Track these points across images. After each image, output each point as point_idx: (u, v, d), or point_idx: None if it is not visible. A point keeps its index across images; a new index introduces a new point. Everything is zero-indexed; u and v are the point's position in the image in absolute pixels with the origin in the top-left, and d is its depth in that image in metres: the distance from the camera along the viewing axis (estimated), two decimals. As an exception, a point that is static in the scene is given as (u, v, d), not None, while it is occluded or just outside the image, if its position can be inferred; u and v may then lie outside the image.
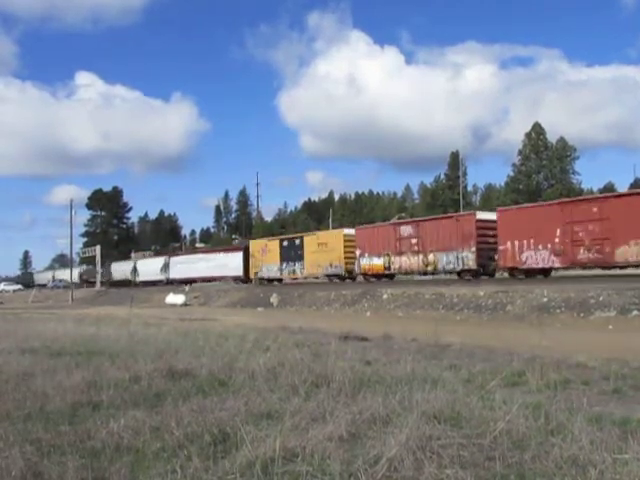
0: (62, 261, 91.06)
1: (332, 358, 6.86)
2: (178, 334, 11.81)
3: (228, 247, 53.11)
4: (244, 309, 27.20)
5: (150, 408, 5.05)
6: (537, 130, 63.99)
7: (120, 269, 59.98)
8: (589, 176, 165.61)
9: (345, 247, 32.42)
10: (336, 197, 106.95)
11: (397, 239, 29.11)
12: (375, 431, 4.06)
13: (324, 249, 33.76)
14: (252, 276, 39.20)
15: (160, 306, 31.64)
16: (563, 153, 63.41)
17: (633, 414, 4.61)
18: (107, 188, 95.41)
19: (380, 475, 3.32)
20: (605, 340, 11.43)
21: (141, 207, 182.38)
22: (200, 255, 49.70)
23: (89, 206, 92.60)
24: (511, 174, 65.61)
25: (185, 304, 32.15)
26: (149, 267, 54.04)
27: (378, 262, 30.00)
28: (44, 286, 71.34)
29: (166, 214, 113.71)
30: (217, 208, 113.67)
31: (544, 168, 63.30)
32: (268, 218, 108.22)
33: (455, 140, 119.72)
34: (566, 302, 16.02)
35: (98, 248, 61.30)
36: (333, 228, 69.18)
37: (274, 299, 27.67)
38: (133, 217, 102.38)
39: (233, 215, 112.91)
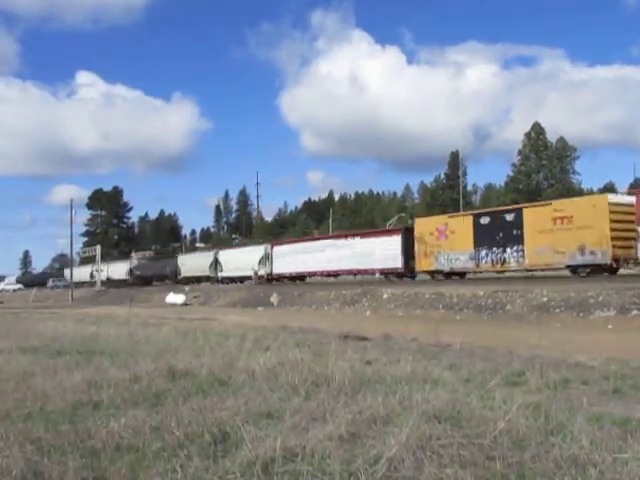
0: (62, 261, 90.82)
1: (332, 358, 6.85)
2: (178, 334, 11.80)
3: (375, 230, 38.71)
4: (244, 309, 27.18)
5: (150, 408, 5.05)
6: (537, 130, 64.14)
7: (194, 263, 48.37)
8: (589, 176, 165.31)
9: (611, 222, 20.86)
10: (336, 197, 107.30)
11: None
12: (375, 431, 4.06)
13: (566, 226, 22.07)
14: (421, 267, 28.22)
15: (160, 306, 31.62)
16: (563, 153, 63.54)
17: (633, 414, 4.61)
18: (107, 188, 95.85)
19: (380, 475, 3.32)
20: (605, 340, 11.41)
21: (141, 207, 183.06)
22: (325, 241, 36.26)
23: (89, 206, 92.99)
24: (511, 174, 65.83)
25: (185, 304, 32.12)
26: (239, 259, 42.57)
27: None
28: (83, 284, 60.81)
29: (166, 214, 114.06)
30: (217, 208, 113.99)
31: (544, 168, 63.45)
32: (268, 218, 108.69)
33: (455, 140, 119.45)
34: (566, 302, 16.00)
35: (98, 248, 61.30)
36: (333, 228, 68.65)
37: (274, 299, 27.66)
38: (133, 217, 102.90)
39: (233, 215, 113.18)
